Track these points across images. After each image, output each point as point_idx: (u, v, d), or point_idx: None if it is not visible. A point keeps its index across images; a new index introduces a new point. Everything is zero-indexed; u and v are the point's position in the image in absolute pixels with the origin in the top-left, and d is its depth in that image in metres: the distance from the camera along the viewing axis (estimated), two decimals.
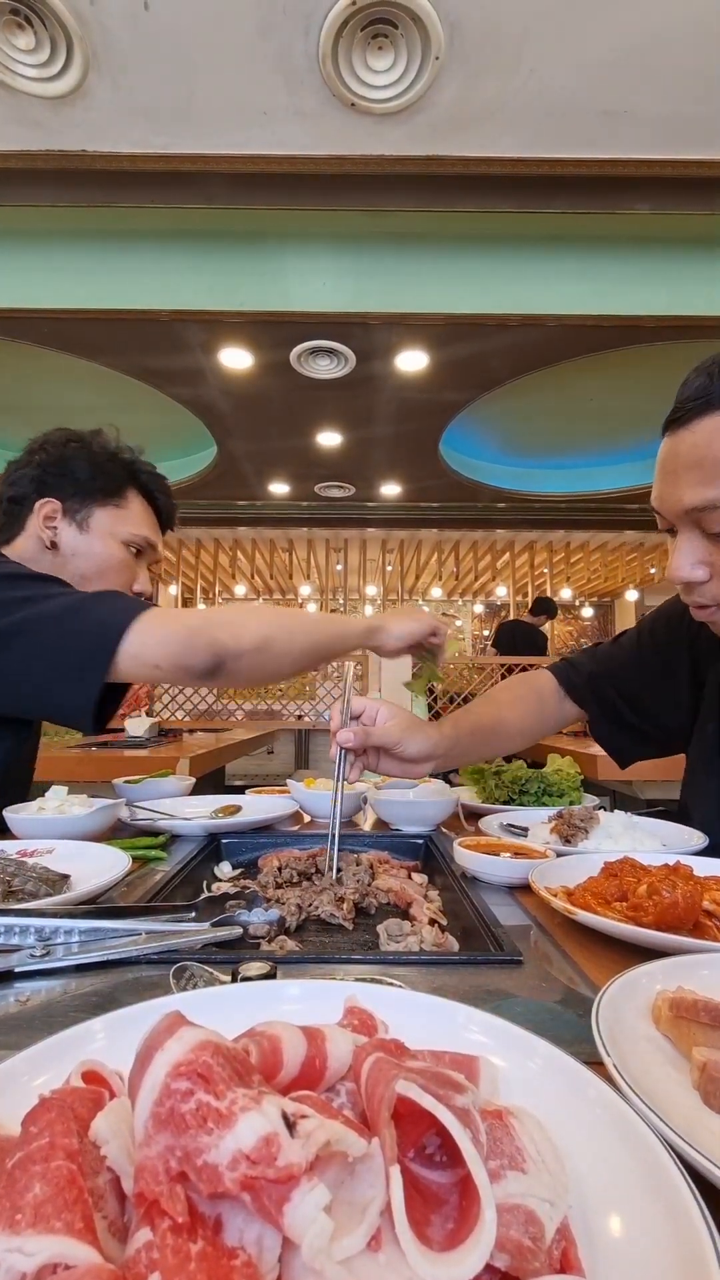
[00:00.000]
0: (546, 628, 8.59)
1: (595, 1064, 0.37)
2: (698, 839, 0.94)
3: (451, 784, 1.47)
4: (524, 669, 4.70)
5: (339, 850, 0.92)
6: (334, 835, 0.88)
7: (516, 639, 5.36)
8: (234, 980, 0.50)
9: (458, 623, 10.20)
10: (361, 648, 1.10)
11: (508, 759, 1.39)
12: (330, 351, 3.52)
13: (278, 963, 0.54)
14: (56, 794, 1.10)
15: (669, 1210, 0.26)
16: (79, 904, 0.70)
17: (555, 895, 0.69)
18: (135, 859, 0.91)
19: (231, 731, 4.01)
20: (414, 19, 1.87)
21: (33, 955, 0.57)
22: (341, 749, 0.89)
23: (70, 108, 2.12)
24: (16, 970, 0.56)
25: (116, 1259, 0.24)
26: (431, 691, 4.51)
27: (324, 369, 3.69)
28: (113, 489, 1.19)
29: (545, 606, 5.79)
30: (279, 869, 0.90)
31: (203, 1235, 0.24)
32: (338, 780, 0.89)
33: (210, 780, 2.71)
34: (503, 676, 4.99)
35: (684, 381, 0.78)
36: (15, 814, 1.03)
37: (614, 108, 2.14)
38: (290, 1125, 0.26)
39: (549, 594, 8.06)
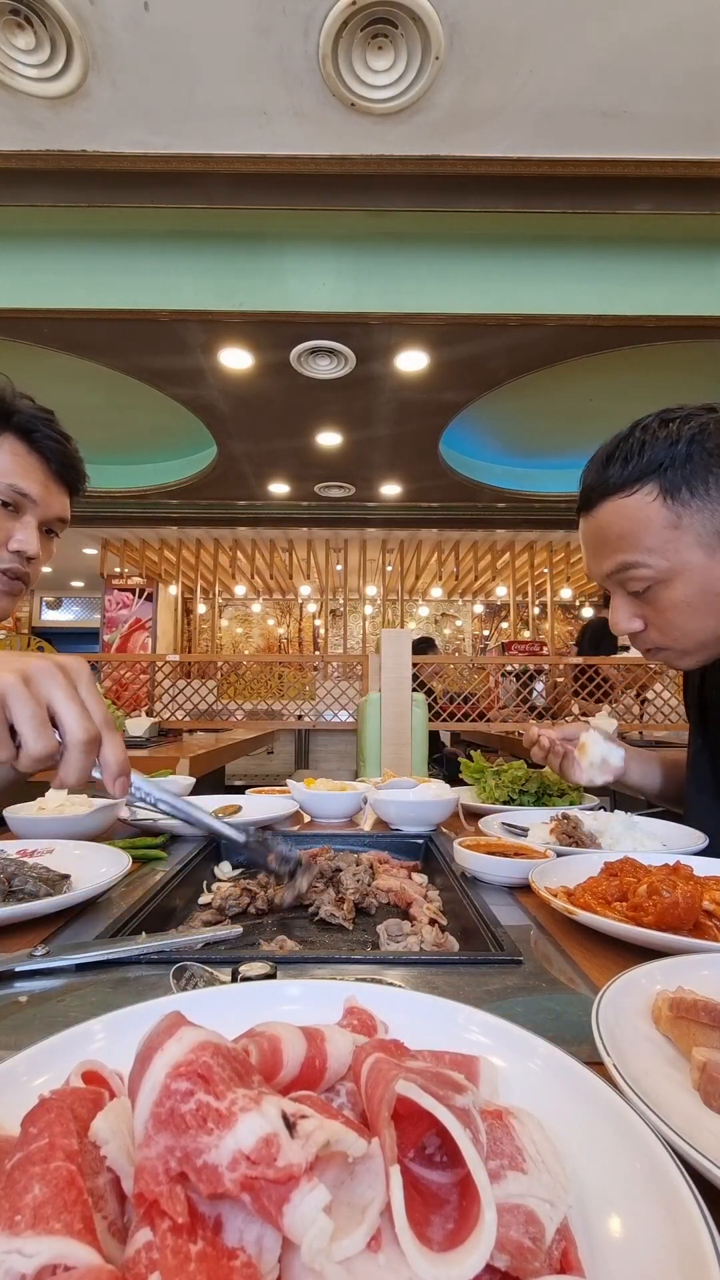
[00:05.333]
0: (546, 627, 8.57)
1: (595, 1064, 0.37)
2: (698, 839, 0.94)
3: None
4: (531, 671, 4.69)
5: (339, 850, 0.93)
6: None
7: (600, 639, 4.40)
8: (234, 980, 0.50)
9: (458, 623, 10.20)
10: None
11: (493, 753, 1.39)
12: (330, 351, 3.52)
13: (278, 963, 0.54)
14: (56, 794, 1.10)
15: (669, 1210, 0.26)
16: (79, 904, 0.70)
17: (555, 895, 0.69)
18: (135, 859, 0.91)
19: (231, 731, 4.01)
20: (414, 19, 1.87)
21: (33, 955, 0.57)
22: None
23: (70, 108, 2.12)
24: (16, 970, 0.56)
25: (116, 1259, 0.24)
26: (431, 692, 4.50)
27: (324, 369, 3.69)
28: None
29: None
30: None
31: (203, 1236, 0.24)
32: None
33: (210, 780, 2.71)
34: (503, 675, 4.97)
35: (584, 469, 0.96)
36: (15, 814, 1.03)
37: (614, 108, 2.14)
38: (290, 1126, 0.26)
39: (548, 594, 8.03)
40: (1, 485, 1.03)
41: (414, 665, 2.94)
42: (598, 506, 0.93)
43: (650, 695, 4.07)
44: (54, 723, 0.57)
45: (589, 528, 0.96)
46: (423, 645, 5.12)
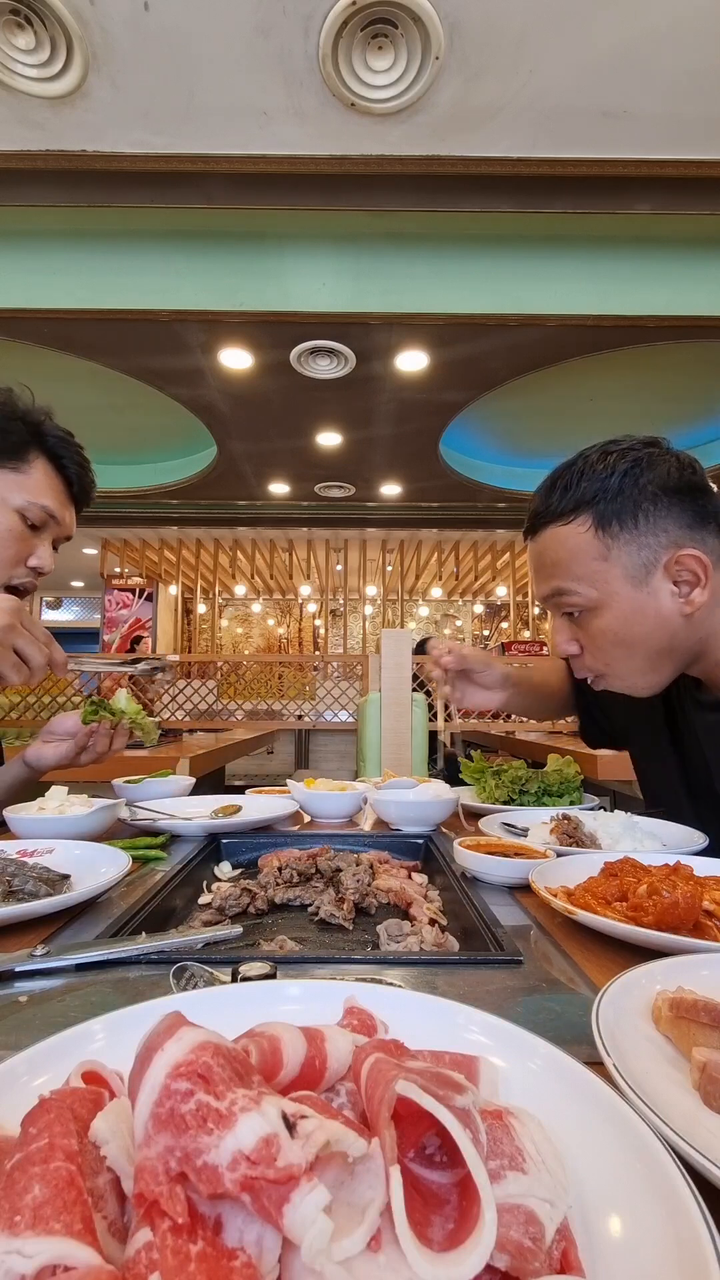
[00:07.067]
0: (546, 627, 8.55)
1: (595, 1064, 0.37)
2: (698, 839, 0.94)
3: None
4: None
5: (339, 850, 0.93)
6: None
7: None
8: (234, 980, 0.50)
9: (458, 623, 10.20)
10: None
11: (493, 753, 1.40)
12: (330, 351, 3.52)
13: (278, 963, 0.54)
14: (56, 794, 1.10)
15: (669, 1210, 0.26)
16: (79, 904, 0.70)
17: (555, 895, 0.69)
18: (135, 859, 0.91)
19: (231, 731, 4.02)
20: (414, 19, 1.86)
21: (33, 955, 0.57)
22: (447, 670, 1.12)
23: (70, 108, 2.12)
24: (16, 970, 0.56)
25: (116, 1259, 0.24)
26: (430, 693, 4.50)
27: (324, 369, 3.69)
28: (10, 450, 1.07)
29: None
30: (279, 869, 0.90)
31: (203, 1236, 0.24)
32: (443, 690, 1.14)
33: (210, 780, 2.71)
34: None
35: (533, 496, 0.99)
36: (15, 814, 1.03)
37: (614, 108, 2.14)
38: (290, 1126, 0.26)
39: None
40: (35, 506, 1.08)
41: (414, 665, 2.93)
42: (539, 532, 0.97)
43: None
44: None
45: (533, 551, 1.00)
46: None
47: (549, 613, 1.02)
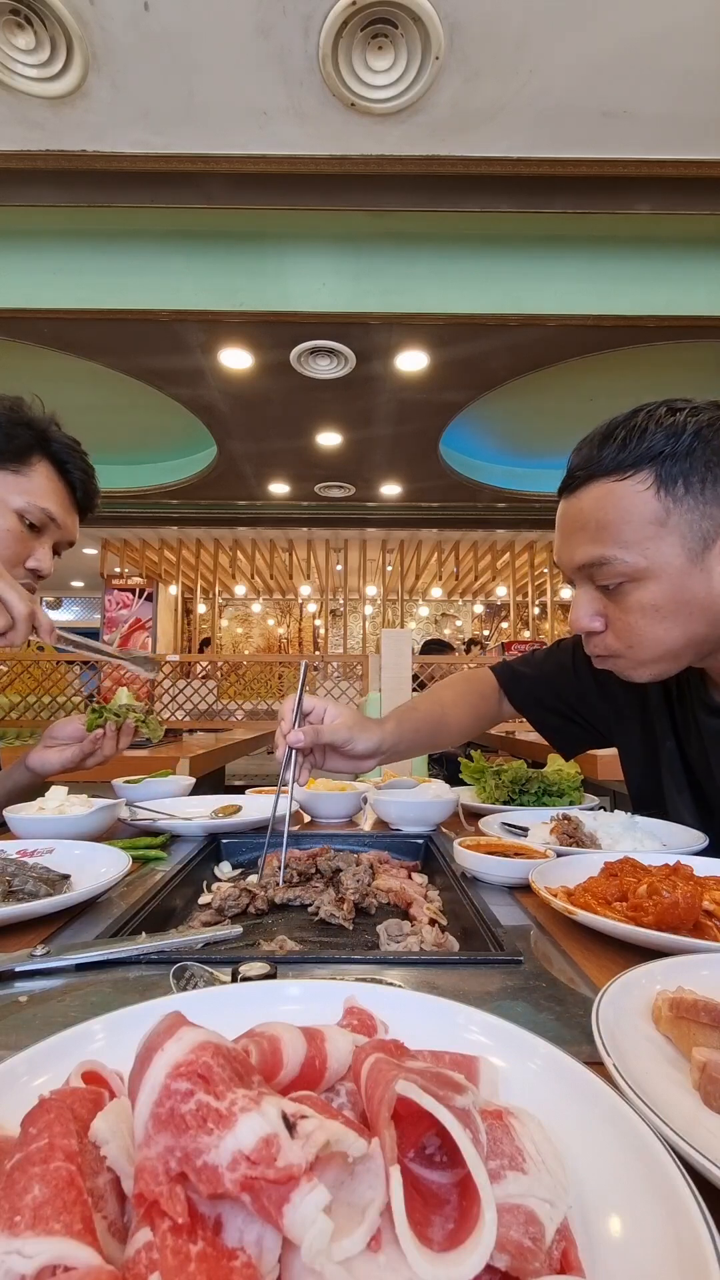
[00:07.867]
0: (546, 627, 8.56)
1: (595, 1064, 0.37)
2: (698, 839, 0.94)
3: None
4: None
5: (339, 850, 0.93)
6: (284, 838, 0.87)
7: None
8: (234, 980, 0.50)
9: (458, 623, 10.20)
10: None
11: (493, 753, 1.39)
12: (330, 351, 3.52)
13: (278, 963, 0.54)
14: (56, 794, 1.10)
15: (669, 1210, 0.26)
16: (79, 904, 0.70)
17: (555, 895, 0.69)
18: (135, 859, 0.91)
19: (231, 731, 4.01)
20: (414, 19, 1.87)
21: (33, 955, 0.57)
22: (291, 749, 0.90)
23: (70, 108, 2.12)
24: (16, 970, 0.56)
25: (116, 1259, 0.24)
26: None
27: (324, 369, 3.69)
28: (12, 453, 1.08)
29: None
30: (279, 869, 0.90)
31: (203, 1236, 0.24)
32: (289, 782, 0.89)
33: (210, 780, 2.71)
34: None
35: (575, 449, 0.89)
36: (15, 814, 1.03)
37: (614, 108, 2.14)
38: (290, 1126, 0.26)
39: (548, 594, 8.01)
40: (35, 508, 1.09)
41: (416, 665, 2.93)
42: (583, 487, 0.86)
43: None
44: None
45: (569, 509, 0.88)
46: (439, 647, 5.13)
47: (574, 583, 0.91)
